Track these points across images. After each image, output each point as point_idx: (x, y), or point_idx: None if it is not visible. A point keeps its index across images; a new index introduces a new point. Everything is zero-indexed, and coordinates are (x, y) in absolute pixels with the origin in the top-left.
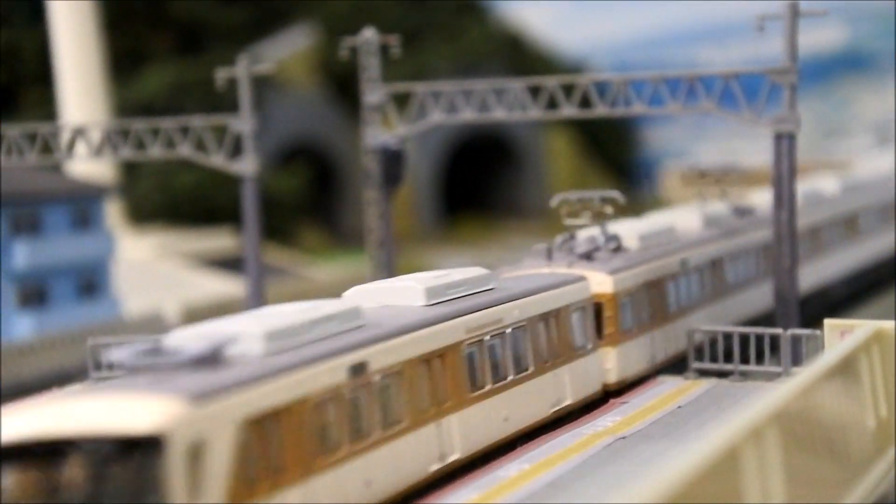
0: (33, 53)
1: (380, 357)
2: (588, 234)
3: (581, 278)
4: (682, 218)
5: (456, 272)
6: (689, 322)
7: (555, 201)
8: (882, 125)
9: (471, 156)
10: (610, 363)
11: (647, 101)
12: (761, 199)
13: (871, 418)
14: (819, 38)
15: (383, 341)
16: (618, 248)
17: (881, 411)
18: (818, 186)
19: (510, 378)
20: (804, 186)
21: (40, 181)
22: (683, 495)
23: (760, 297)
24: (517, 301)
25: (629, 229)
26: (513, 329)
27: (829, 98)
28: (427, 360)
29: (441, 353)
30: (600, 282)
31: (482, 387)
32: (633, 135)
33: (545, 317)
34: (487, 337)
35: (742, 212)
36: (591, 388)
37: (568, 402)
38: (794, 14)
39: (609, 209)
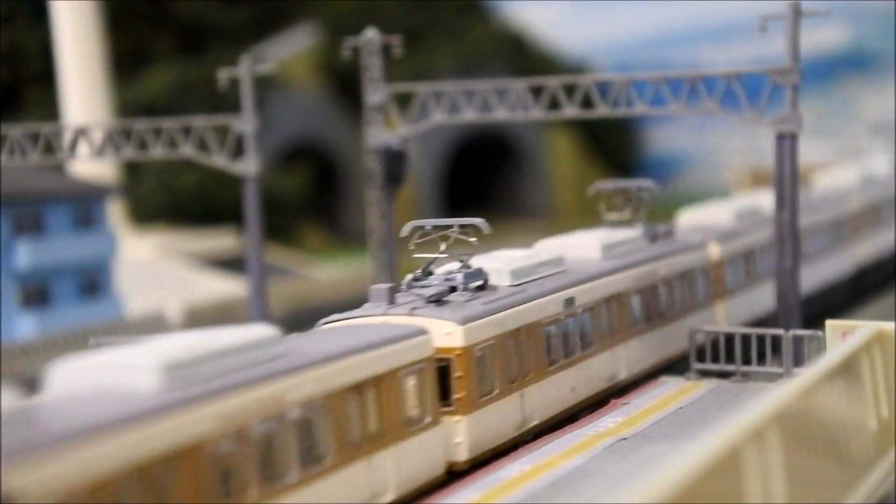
0: (36, 53)
1: (42, 482)
2: (445, 269)
3: (420, 331)
4: (577, 246)
5: (223, 335)
6: (575, 374)
7: (405, 230)
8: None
9: (473, 156)
10: (459, 436)
11: (648, 101)
12: (693, 218)
13: (872, 419)
14: (822, 38)
15: (49, 459)
16: (482, 287)
17: (882, 412)
18: (756, 203)
19: (295, 479)
20: (739, 203)
21: (43, 181)
22: (685, 496)
23: (676, 337)
24: (310, 371)
25: (500, 262)
26: (302, 410)
27: (831, 98)
28: (141, 473)
29: (167, 460)
30: (448, 333)
31: (241, 497)
32: (635, 135)
33: (359, 388)
34: (257, 425)
35: (658, 236)
36: (428, 472)
37: (388, 497)
38: (797, 14)
39: (472, 238)
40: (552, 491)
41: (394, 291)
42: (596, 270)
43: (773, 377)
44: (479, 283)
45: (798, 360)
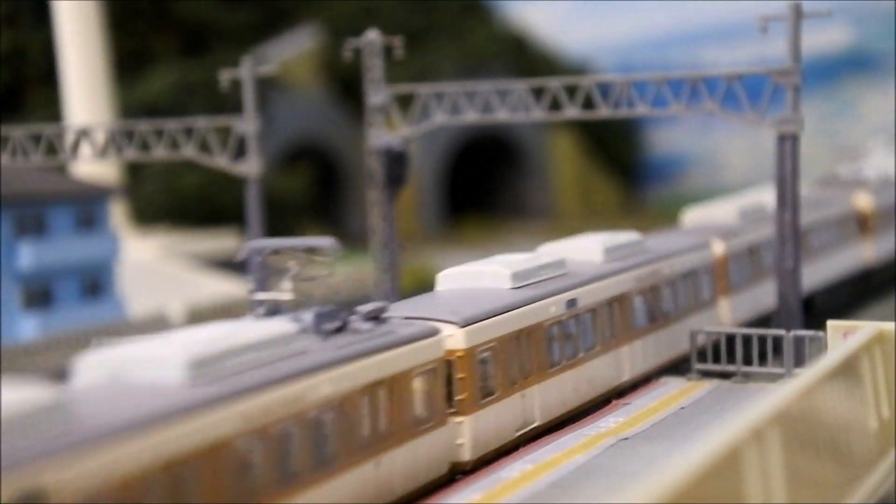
0: (38, 54)
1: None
2: None
3: None
4: (143, 363)
5: None
6: None
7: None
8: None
9: (474, 157)
10: None
11: (650, 102)
12: (454, 279)
13: (872, 419)
14: (823, 39)
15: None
16: None
17: (883, 412)
18: (566, 254)
19: None
20: (547, 257)
21: (45, 182)
22: (685, 496)
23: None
24: None
25: None
26: None
27: (834, 99)
28: None
29: None
30: None
31: None
32: (637, 136)
33: None
34: None
35: (346, 324)
36: None
37: None
38: (798, 15)
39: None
40: (553, 491)
41: None
42: (163, 409)
43: (774, 377)
44: None
45: (799, 361)
